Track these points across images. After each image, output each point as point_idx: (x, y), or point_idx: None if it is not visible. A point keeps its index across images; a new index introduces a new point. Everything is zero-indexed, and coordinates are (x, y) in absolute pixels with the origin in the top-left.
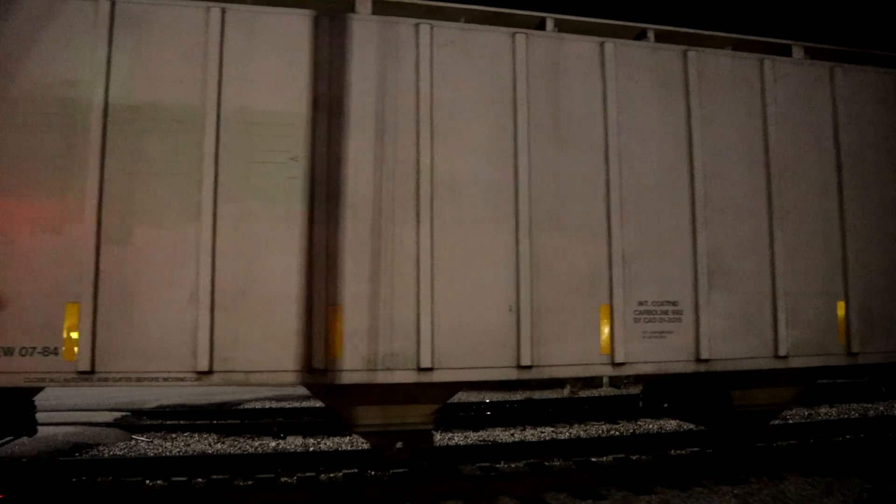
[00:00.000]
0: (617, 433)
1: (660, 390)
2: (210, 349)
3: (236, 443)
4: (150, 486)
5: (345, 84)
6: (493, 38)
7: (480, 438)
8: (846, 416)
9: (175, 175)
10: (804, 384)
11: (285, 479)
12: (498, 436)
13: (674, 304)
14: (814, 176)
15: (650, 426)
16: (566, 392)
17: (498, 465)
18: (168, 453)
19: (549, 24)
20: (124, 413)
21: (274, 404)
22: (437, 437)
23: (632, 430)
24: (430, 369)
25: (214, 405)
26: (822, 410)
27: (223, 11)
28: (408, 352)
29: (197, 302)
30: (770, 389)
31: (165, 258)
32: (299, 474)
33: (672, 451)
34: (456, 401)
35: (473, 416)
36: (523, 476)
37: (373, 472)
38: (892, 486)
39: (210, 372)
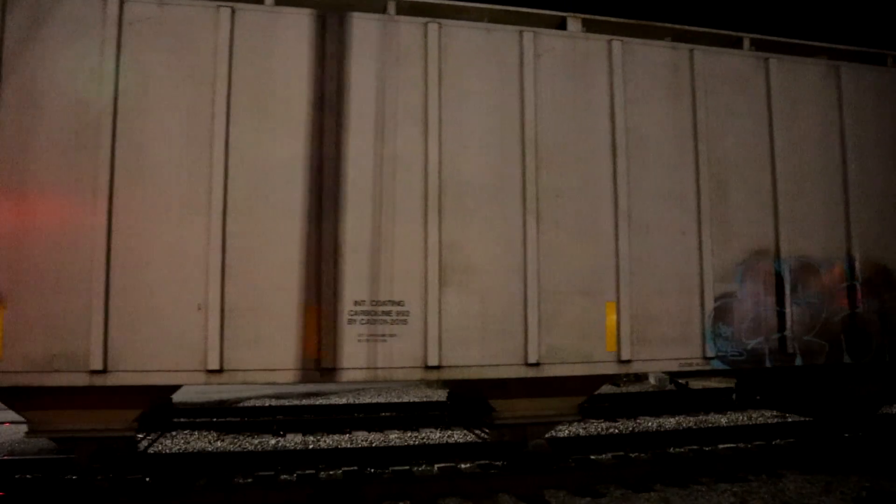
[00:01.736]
0: (616, 431)
1: None
2: None
3: (236, 440)
4: (150, 484)
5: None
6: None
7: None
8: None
9: None
10: (581, 394)
11: (285, 476)
12: None
13: (399, 304)
14: (585, 161)
15: (650, 424)
16: None
17: (497, 463)
18: (168, 451)
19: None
20: None
21: (274, 402)
22: (437, 434)
23: (631, 429)
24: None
25: (214, 403)
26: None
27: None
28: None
29: None
30: (530, 400)
31: None
32: (299, 472)
33: (671, 450)
34: None
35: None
36: (523, 474)
37: (373, 470)
38: (890, 484)
39: None
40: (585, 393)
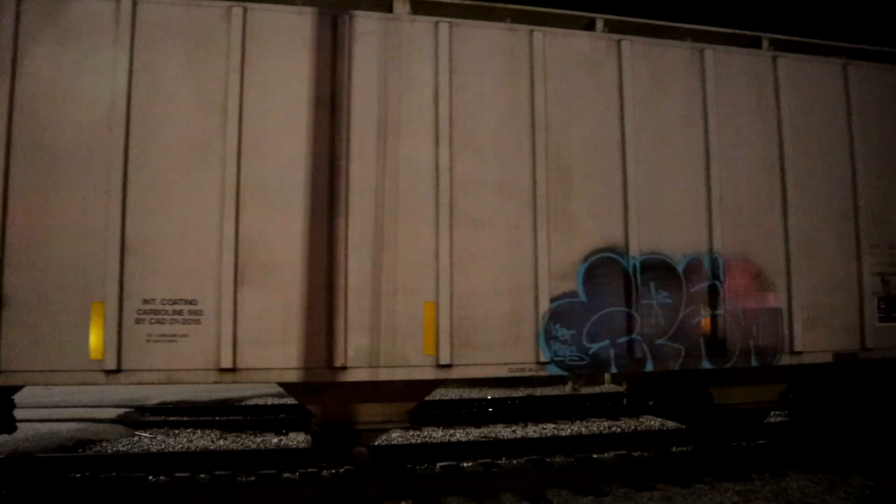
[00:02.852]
0: (619, 430)
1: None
2: None
3: (239, 439)
4: (153, 482)
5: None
6: None
7: (482, 435)
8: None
9: None
10: (410, 399)
11: (287, 475)
12: (500, 432)
13: (191, 302)
14: (406, 152)
15: (652, 423)
16: (567, 389)
17: (500, 462)
18: (171, 449)
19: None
20: (127, 409)
21: (276, 400)
22: (439, 433)
23: (634, 427)
24: None
25: (217, 402)
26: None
27: None
28: None
29: None
30: (352, 405)
31: None
32: (301, 470)
33: (674, 448)
34: (458, 398)
35: (475, 413)
36: (525, 472)
37: (375, 468)
38: (894, 482)
39: None
40: (414, 399)
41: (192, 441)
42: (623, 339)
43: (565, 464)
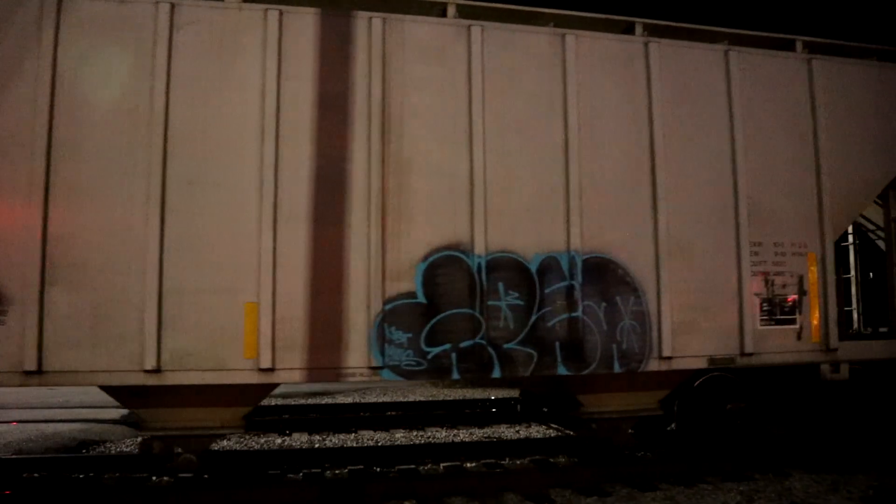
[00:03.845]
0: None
1: None
2: None
3: (242, 439)
4: (156, 483)
5: None
6: None
7: (485, 435)
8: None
9: None
10: (244, 405)
11: (291, 475)
12: (503, 433)
13: None
14: (227, 147)
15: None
16: None
17: (503, 462)
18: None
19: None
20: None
21: (280, 401)
22: (443, 433)
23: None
24: None
25: None
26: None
27: None
28: None
29: None
30: (177, 410)
31: None
32: (305, 470)
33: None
34: (460, 398)
35: (479, 413)
36: (528, 473)
37: (378, 469)
38: None
39: None
40: (246, 403)
41: None
42: (467, 344)
43: (569, 464)
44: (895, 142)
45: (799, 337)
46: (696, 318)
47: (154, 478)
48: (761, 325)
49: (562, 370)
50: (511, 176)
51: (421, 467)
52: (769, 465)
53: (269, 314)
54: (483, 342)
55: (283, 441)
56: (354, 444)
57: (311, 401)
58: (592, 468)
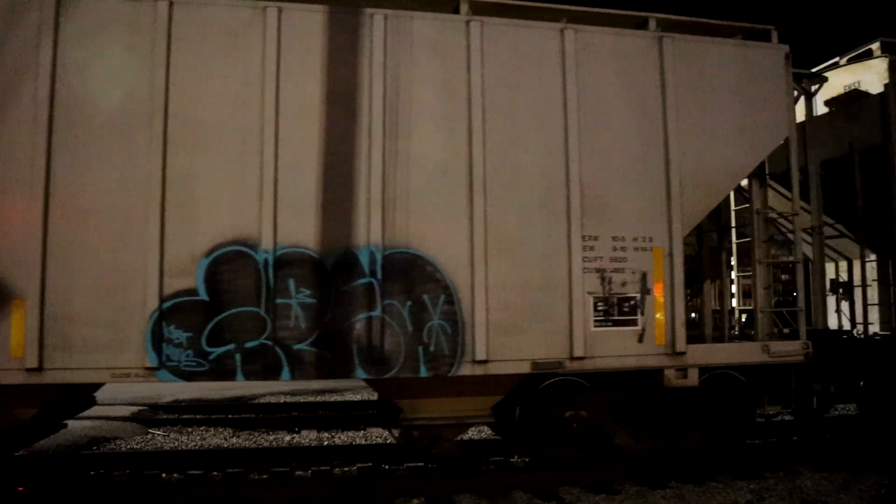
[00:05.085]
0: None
1: None
2: None
3: (251, 437)
4: (166, 480)
5: None
6: None
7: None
8: None
9: None
10: (29, 406)
11: (300, 472)
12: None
13: None
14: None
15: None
16: None
17: (512, 460)
18: (184, 447)
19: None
20: (141, 407)
21: (289, 399)
22: None
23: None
24: None
25: (229, 400)
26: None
27: None
28: None
29: None
30: None
31: None
32: (314, 468)
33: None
34: None
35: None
36: (537, 470)
37: (387, 466)
38: None
39: None
40: (31, 405)
41: (204, 439)
42: (253, 344)
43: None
44: (759, 125)
45: (641, 339)
46: (520, 318)
47: (164, 475)
48: (596, 327)
49: (360, 374)
50: (303, 165)
51: (430, 465)
52: (779, 463)
53: (37, 311)
54: (269, 342)
55: (293, 438)
56: (363, 442)
57: (319, 398)
58: (602, 466)
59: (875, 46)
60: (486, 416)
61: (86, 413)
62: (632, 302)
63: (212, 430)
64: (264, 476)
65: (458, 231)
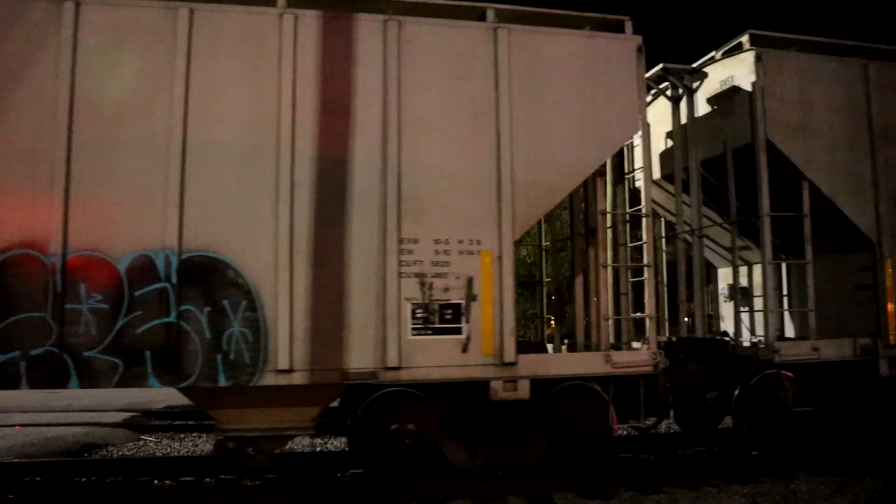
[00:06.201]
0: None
1: None
2: None
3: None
4: (158, 486)
5: None
6: None
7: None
8: None
9: None
10: None
11: (292, 479)
12: None
13: None
14: None
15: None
16: None
17: None
18: (176, 453)
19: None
20: (133, 413)
21: None
22: None
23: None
24: None
25: None
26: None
27: None
28: None
29: None
30: None
31: None
32: (307, 474)
33: (681, 451)
34: None
35: None
36: (531, 476)
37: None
38: None
39: None
40: None
41: (197, 445)
42: (39, 351)
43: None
44: (606, 122)
45: (465, 349)
46: (330, 326)
47: (156, 481)
48: (414, 335)
49: (153, 383)
50: (104, 161)
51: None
52: (773, 468)
53: None
54: (56, 350)
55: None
56: None
57: None
58: (596, 471)
59: (745, 39)
60: (309, 428)
61: (77, 419)
62: (455, 309)
63: (204, 436)
64: (257, 482)
65: (262, 233)
